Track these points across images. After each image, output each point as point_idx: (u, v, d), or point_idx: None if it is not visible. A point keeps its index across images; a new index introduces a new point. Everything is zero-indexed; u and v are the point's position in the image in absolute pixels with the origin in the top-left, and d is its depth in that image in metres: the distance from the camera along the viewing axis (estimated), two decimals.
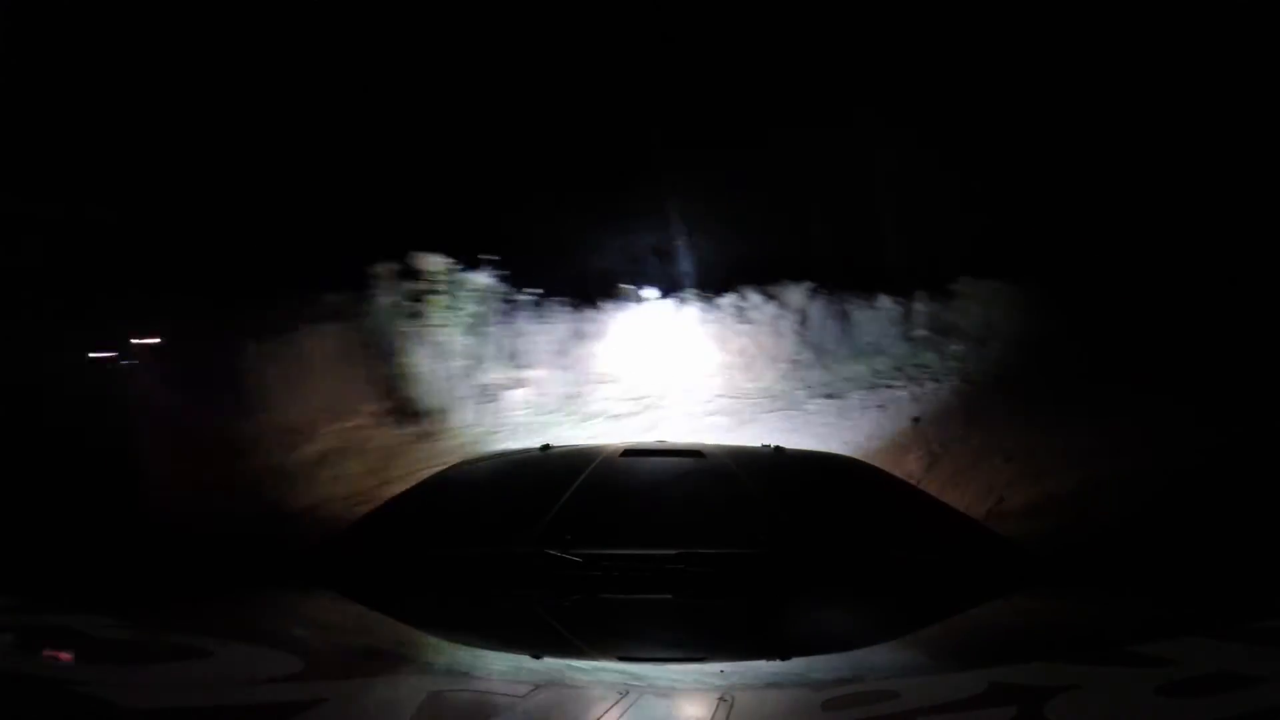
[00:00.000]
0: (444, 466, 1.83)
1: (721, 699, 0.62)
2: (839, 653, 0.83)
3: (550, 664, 0.78)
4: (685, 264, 4.05)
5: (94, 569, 1.89)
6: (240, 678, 0.68)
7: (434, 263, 3.73)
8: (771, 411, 4.03)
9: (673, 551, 1.03)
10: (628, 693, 0.63)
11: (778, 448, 1.80)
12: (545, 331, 3.89)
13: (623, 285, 4.04)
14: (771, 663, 0.79)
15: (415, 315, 3.77)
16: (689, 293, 4.06)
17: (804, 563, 1.05)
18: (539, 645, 0.81)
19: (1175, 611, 0.95)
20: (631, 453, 1.59)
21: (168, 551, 2.04)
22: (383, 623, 0.97)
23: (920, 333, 4.53)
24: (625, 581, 1.01)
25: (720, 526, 1.19)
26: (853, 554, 1.08)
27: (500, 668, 0.78)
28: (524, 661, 0.77)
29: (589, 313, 3.95)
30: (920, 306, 4.52)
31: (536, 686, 0.67)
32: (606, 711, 0.59)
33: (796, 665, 0.79)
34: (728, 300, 4.10)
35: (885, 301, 4.46)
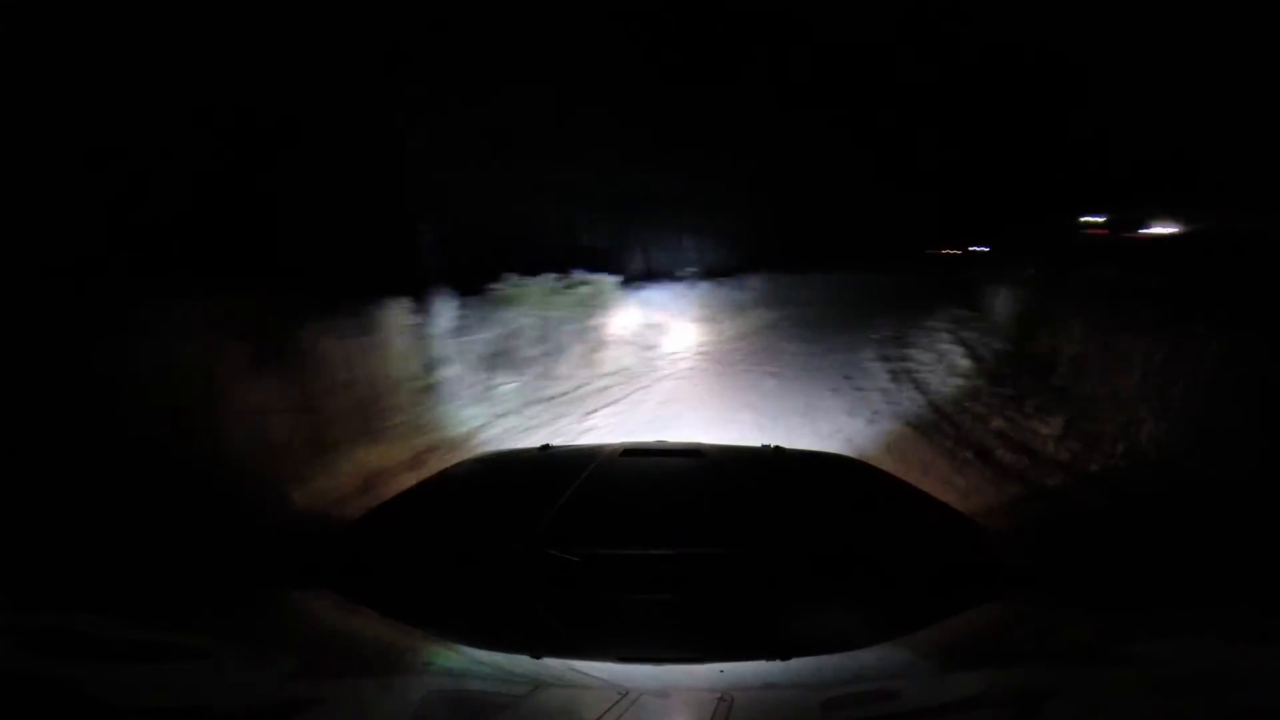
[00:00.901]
0: (444, 467, 1.83)
1: (721, 699, 0.62)
2: (839, 653, 0.83)
3: (550, 664, 0.78)
4: None
5: (94, 569, 1.89)
6: (240, 678, 0.68)
7: None
8: None
9: (672, 551, 1.03)
10: (627, 693, 0.63)
11: (777, 447, 1.80)
12: None
13: None
14: (771, 663, 0.79)
15: None
16: None
17: (804, 563, 1.05)
18: (539, 645, 0.81)
19: (1174, 612, 0.95)
20: (631, 452, 1.59)
21: (169, 551, 2.04)
22: (383, 623, 0.97)
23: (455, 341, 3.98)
24: (625, 581, 1.01)
25: (720, 526, 1.19)
26: (852, 553, 1.08)
27: (500, 668, 0.78)
28: (524, 661, 0.77)
29: None
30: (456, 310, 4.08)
31: (536, 686, 0.67)
32: (606, 711, 0.59)
33: (796, 665, 0.79)
34: None
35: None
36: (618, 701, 0.61)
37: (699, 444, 1.78)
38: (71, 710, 0.58)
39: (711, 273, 10.01)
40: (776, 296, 10.06)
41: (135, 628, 0.80)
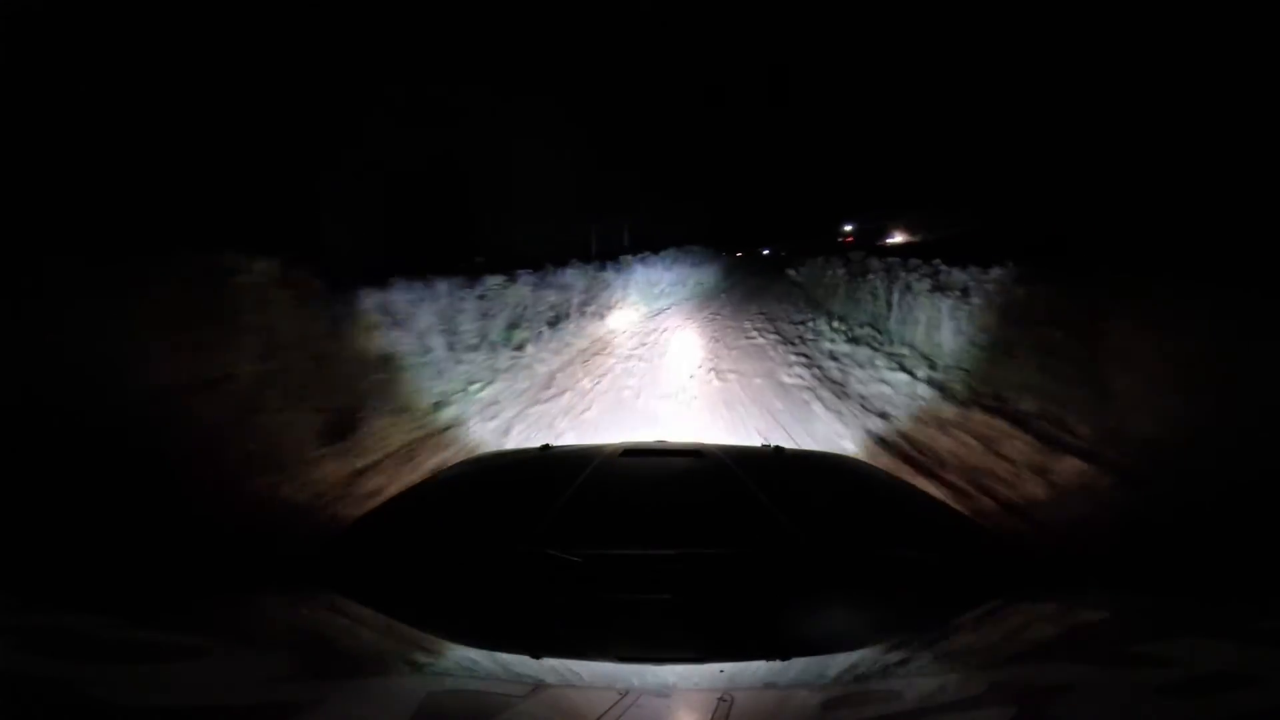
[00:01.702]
0: (445, 467, 1.83)
1: (721, 699, 0.62)
2: (839, 653, 0.83)
3: (550, 664, 0.78)
4: None
5: (94, 569, 1.89)
6: (240, 678, 0.68)
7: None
8: None
9: (673, 551, 1.03)
10: (628, 693, 0.63)
11: (778, 447, 1.81)
12: None
13: None
14: (771, 663, 0.79)
15: None
16: None
17: (804, 563, 1.05)
18: (539, 645, 0.81)
19: (1175, 611, 0.95)
20: (631, 452, 1.59)
21: (169, 551, 2.04)
22: (383, 623, 0.97)
23: None
24: (625, 581, 1.01)
25: (720, 526, 1.19)
26: (853, 554, 1.08)
27: (500, 668, 0.78)
28: (524, 661, 0.77)
29: None
30: None
31: (536, 686, 0.67)
32: (606, 711, 0.59)
33: (796, 665, 0.79)
34: None
35: None
36: (618, 701, 0.61)
37: (699, 444, 1.78)
38: (71, 710, 0.58)
39: (505, 263, 6.64)
40: (601, 297, 8.04)
41: (135, 628, 0.80)
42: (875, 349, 6.31)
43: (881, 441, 3.81)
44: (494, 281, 6.01)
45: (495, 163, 8.04)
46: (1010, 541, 1.51)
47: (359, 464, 3.20)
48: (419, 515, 1.36)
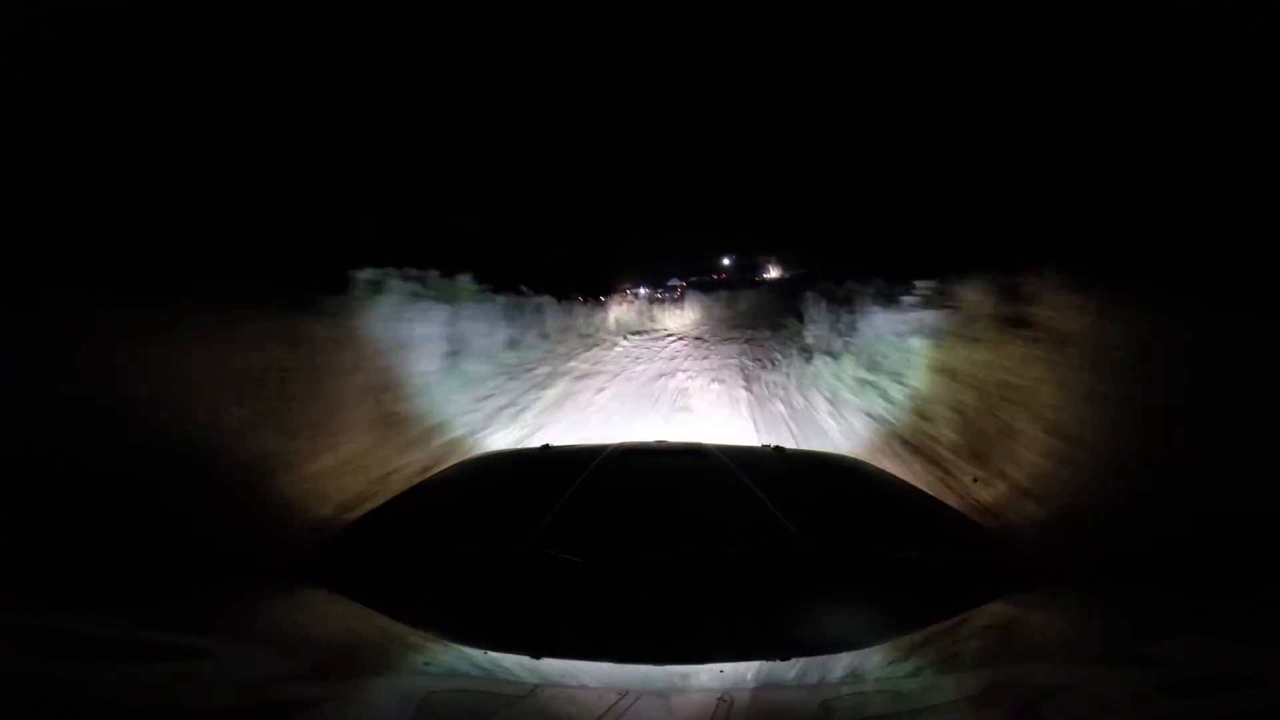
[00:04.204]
0: (445, 467, 1.83)
1: (721, 699, 0.62)
2: (839, 653, 0.83)
3: (550, 664, 0.78)
4: None
5: (94, 569, 1.89)
6: (240, 678, 0.68)
7: None
8: None
9: (673, 552, 1.03)
10: (628, 693, 0.63)
11: (778, 447, 1.81)
12: None
13: None
14: (771, 663, 0.79)
15: None
16: None
17: (804, 562, 1.05)
18: (539, 645, 0.81)
19: (1174, 611, 0.95)
20: (632, 452, 1.59)
21: (169, 551, 2.03)
22: (383, 623, 0.97)
23: None
24: (625, 581, 1.01)
25: (721, 527, 1.19)
26: (853, 554, 1.08)
27: (500, 668, 0.78)
28: (524, 661, 0.77)
29: None
30: None
31: (536, 686, 0.67)
32: (606, 711, 0.59)
33: (796, 665, 0.79)
34: None
35: None
36: (618, 701, 0.61)
37: (700, 444, 1.78)
38: (71, 710, 0.58)
39: None
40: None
41: (135, 628, 0.80)
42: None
43: None
44: None
45: None
46: (1010, 542, 1.51)
47: None
48: (419, 515, 1.36)
